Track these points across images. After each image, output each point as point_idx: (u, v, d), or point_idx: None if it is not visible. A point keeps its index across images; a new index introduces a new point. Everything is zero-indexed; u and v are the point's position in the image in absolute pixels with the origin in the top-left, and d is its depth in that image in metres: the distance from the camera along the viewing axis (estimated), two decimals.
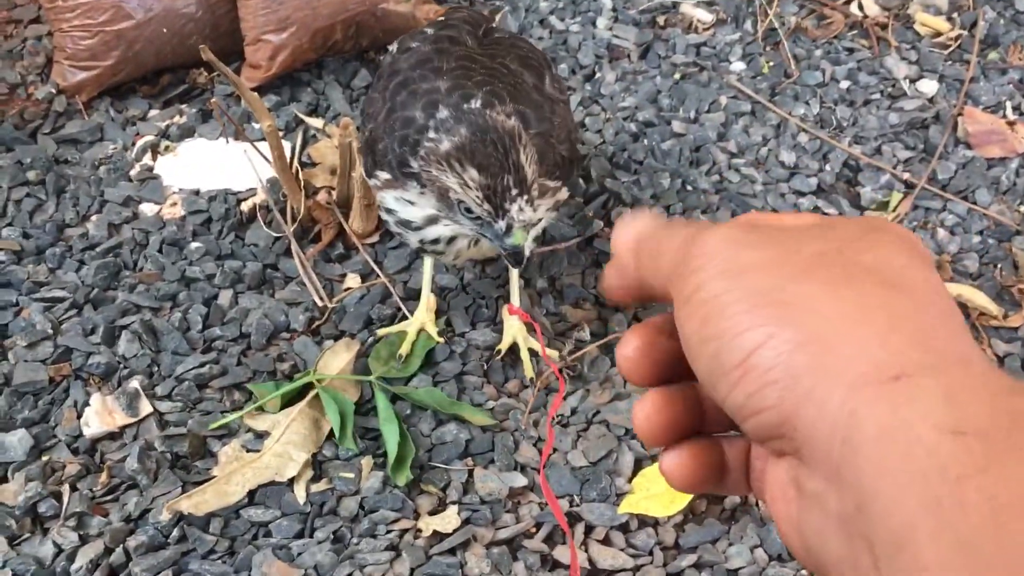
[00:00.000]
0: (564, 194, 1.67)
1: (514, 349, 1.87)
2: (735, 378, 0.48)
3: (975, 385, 0.43)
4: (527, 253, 1.48)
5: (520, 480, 1.68)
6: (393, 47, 1.77)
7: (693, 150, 2.34)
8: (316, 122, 2.26)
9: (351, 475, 1.67)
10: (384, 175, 1.58)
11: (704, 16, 2.72)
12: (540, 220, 1.64)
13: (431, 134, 1.44)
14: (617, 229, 0.61)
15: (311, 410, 1.73)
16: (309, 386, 1.75)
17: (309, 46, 2.26)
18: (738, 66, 2.58)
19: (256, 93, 1.88)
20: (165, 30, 2.18)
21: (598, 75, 2.52)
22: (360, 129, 1.71)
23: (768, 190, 2.27)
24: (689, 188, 2.25)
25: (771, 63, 2.58)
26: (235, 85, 1.81)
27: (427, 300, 1.90)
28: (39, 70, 2.27)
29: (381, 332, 1.89)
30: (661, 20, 2.71)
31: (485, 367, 1.87)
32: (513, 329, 1.92)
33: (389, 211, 1.62)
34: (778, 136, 2.40)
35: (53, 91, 2.22)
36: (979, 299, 2.03)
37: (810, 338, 0.46)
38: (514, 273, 1.90)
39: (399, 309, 1.94)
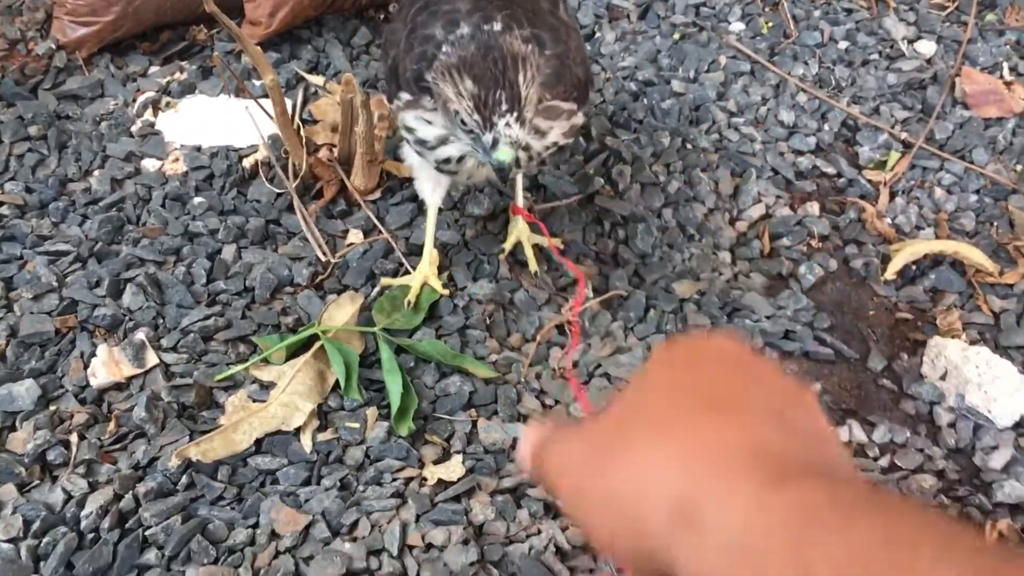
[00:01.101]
0: (580, 119, 1.69)
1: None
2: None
3: (765, 507, 0.51)
4: (513, 171, 1.54)
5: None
6: None
7: (693, 109, 2.35)
8: (317, 79, 2.26)
9: (356, 425, 1.68)
10: (406, 95, 1.61)
11: None
12: (555, 143, 1.65)
13: (445, 48, 1.49)
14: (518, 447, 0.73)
15: (316, 361, 1.74)
16: (314, 338, 1.77)
17: (310, 3, 2.26)
18: (737, 26, 2.59)
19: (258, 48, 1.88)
20: None
21: (598, 35, 2.53)
22: (383, 59, 1.73)
23: (767, 149, 2.28)
24: (689, 146, 2.26)
25: (770, 23, 2.58)
26: (238, 38, 1.81)
27: (430, 254, 1.91)
28: (39, 26, 2.26)
29: (385, 282, 1.90)
30: None
31: (488, 321, 1.89)
32: (518, 228, 1.95)
33: (409, 129, 1.66)
34: (777, 96, 2.41)
35: (53, 47, 2.21)
36: (975, 256, 2.05)
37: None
38: (519, 175, 1.94)
39: (401, 264, 1.96)
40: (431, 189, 1.88)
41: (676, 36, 2.54)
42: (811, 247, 2.13)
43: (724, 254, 2.09)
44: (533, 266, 1.93)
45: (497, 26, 1.52)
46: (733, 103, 2.37)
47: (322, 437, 1.66)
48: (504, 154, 1.47)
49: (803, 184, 2.23)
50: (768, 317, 1.96)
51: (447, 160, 1.65)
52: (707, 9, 2.64)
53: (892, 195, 2.23)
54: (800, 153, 2.29)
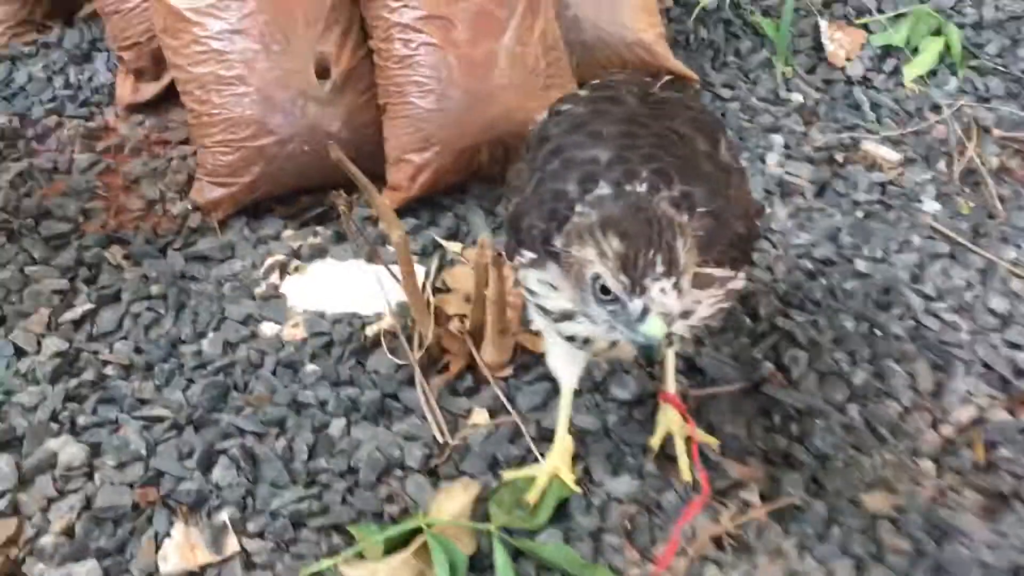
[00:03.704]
0: (740, 283, 1.40)
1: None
2: None
3: None
4: (664, 351, 1.24)
5: None
6: (542, 115, 1.57)
7: (882, 292, 2.02)
8: (454, 246, 2.08)
9: None
10: (528, 254, 1.37)
11: (890, 155, 2.44)
12: (706, 318, 1.37)
13: (581, 208, 1.26)
14: None
15: (417, 561, 1.45)
16: (418, 532, 1.49)
17: (452, 167, 2.12)
18: (932, 206, 2.28)
19: (388, 202, 1.73)
20: (307, 148, 2.10)
21: (768, 210, 2.27)
22: (504, 205, 1.51)
23: (976, 340, 1.91)
24: (878, 333, 1.92)
25: (971, 204, 2.26)
26: (364, 189, 1.65)
27: (562, 442, 1.63)
28: (179, 187, 2.22)
29: (507, 476, 1.62)
30: (840, 158, 2.45)
31: (628, 526, 1.56)
32: (668, 418, 1.65)
33: (531, 292, 1.41)
34: (985, 281, 2.05)
35: (189, 207, 2.15)
36: None
37: None
38: (669, 354, 1.64)
39: (530, 451, 1.67)
40: (566, 366, 1.61)
41: (859, 214, 2.25)
42: None
43: (926, 463, 1.70)
44: (686, 472, 1.61)
45: (642, 187, 1.29)
46: (931, 286, 2.03)
47: None
48: (655, 328, 1.18)
49: None
50: (989, 547, 1.54)
51: (572, 337, 1.39)
52: (895, 188, 2.34)
53: None
54: (1017, 347, 1.90)
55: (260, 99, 2.06)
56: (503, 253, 1.54)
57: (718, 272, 1.36)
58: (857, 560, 1.51)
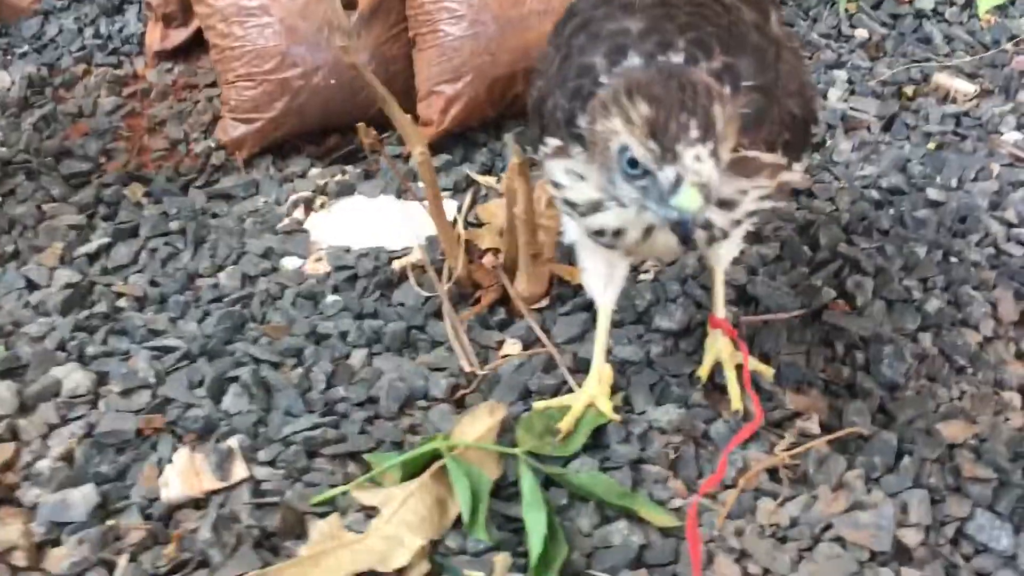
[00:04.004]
0: (795, 174, 1.25)
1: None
2: None
3: None
4: (703, 231, 1.15)
5: None
6: None
7: (958, 220, 1.85)
8: (488, 179, 1.96)
9: (480, 575, 1.23)
10: (553, 141, 1.25)
11: (965, 87, 2.26)
12: (750, 213, 1.22)
13: (605, 79, 1.13)
14: None
15: (436, 485, 1.32)
16: (439, 457, 1.36)
17: (486, 98, 2.01)
18: (1012, 136, 2.10)
19: (411, 118, 1.61)
20: (333, 81, 2.00)
21: (829, 143, 2.11)
22: (528, 94, 1.39)
23: None
24: (954, 260, 1.75)
25: None
26: (383, 101, 1.54)
27: (599, 370, 1.48)
28: (204, 127, 2.15)
29: (538, 405, 1.48)
30: (909, 91, 2.27)
31: (672, 455, 1.41)
32: (717, 346, 1.51)
33: (557, 185, 1.28)
34: None
35: (212, 145, 2.07)
36: None
37: None
38: (718, 276, 1.49)
39: (565, 382, 1.54)
40: (602, 284, 1.47)
41: (931, 145, 2.07)
42: None
43: (1011, 395, 1.53)
44: (736, 401, 1.46)
45: (677, 58, 1.16)
46: (1013, 213, 1.85)
47: None
48: (689, 200, 1.04)
49: None
50: None
51: (601, 232, 1.25)
52: (969, 119, 2.16)
53: None
54: None
55: (283, 30, 1.98)
56: (528, 150, 1.42)
57: (767, 157, 1.22)
58: (931, 490, 1.34)
